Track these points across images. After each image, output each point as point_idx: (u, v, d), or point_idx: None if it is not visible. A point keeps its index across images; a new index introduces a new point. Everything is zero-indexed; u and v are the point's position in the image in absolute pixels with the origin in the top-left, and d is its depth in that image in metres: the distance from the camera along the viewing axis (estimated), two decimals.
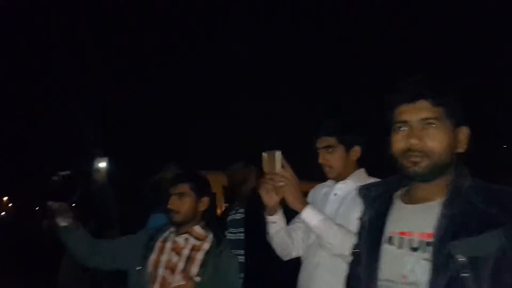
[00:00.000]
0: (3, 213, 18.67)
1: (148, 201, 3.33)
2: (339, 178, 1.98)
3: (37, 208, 14.49)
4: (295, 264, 2.16)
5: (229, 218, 2.72)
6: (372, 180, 1.86)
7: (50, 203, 1.95)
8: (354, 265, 1.36)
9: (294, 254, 2.02)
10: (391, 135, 1.25)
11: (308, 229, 1.92)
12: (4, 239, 11.77)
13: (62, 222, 1.99)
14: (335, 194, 1.97)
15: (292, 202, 1.78)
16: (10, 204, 19.97)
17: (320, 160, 1.97)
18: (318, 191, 2.07)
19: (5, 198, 20.00)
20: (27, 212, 15.45)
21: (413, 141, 1.18)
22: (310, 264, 1.92)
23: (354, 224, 1.72)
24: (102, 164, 1.87)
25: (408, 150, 1.19)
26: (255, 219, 2.56)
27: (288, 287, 2.44)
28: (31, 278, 7.77)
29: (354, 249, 1.38)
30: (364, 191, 1.37)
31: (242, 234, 2.61)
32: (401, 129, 1.21)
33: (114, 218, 3.32)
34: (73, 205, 2.03)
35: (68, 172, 1.99)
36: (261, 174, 2.71)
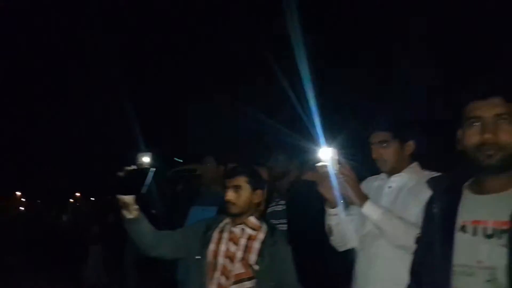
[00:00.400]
0: (22, 208, 18.65)
1: (186, 194, 3.45)
2: (392, 171, 2.06)
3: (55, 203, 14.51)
4: (339, 254, 2.28)
5: (269, 210, 2.82)
6: (426, 173, 1.97)
7: (119, 196, 2.06)
8: (422, 253, 1.46)
9: (349, 245, 2.13)
10: (462, 130, 1.37)
11: (362, 220, 2.03)
12: (27, 233, 11.86)
13: (129, 215, 2.10)
14: (390, 187, 2.06)
15: (353, 196, 1.89)
16: (23, 199, 19.91)
17: (374, 155, 2.06)
18: (370, 184, 2.16)
19: (18, 193, 19.93)
20: (44, 207, 15.51)
21: (487, 136, 1.28)
22: (368, 254, 2.01)
23: (412, 215, 1.84)
24: (146, 159, 1.95)
25: (482, 144, 1.29)
26: (297, 210, 2.70)
27: (331, 276, 2.58)
28: (54, 270, 7.88)
29: (422, 238, 1.48)
30: (434, 183, 1.48)
31: (283, 226, 2.73)
32: (474, 124, 1.32)
33: (157, 212, 3.44)
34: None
35: (134, 167, 2.09)
36: (303, 167, 2.86)
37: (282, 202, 2.82)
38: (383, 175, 2.14)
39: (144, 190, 2.05)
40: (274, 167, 2.86)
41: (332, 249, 2.26)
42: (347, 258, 2.31)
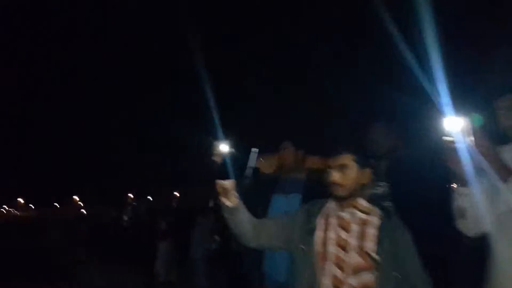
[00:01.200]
0: (83, 210, 19.64)
1: (267, 182, 3.25)
2: None
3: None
4: (462, 238, 2.01)
5: None
6: None
7: (218, 182, 1.90)
8: None
9: (483, 229, 1.83)
10: None
11: (492, 198, 1.75)
12: (92, 233, 12.32)
13: (228, 203, 1.94)
14: None
15: (494, 171, 1.62)
16: (79, 202, 20.95)
17: (507, 122, 1.77)
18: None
19: (76, 198, 21.01)
20: (103, 208, 16.12)
21: None
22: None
23: None
24: (224, 148, 1.83)
25: None
26: (407, 191, 2.43)
27: (454, 263, 2.29)
28: (124, 268, 8.04)
29: None
30: None
31: None
32: None
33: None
34: None
35: (229, 152, 1.93)
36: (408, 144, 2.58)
37: (382, 183, 2.54)
38: None
39: (248, 173, 1.88)
40: (377, 144, 2.59)
41: (454, 233, 1.97)
42: (472, 242, 2.03)
